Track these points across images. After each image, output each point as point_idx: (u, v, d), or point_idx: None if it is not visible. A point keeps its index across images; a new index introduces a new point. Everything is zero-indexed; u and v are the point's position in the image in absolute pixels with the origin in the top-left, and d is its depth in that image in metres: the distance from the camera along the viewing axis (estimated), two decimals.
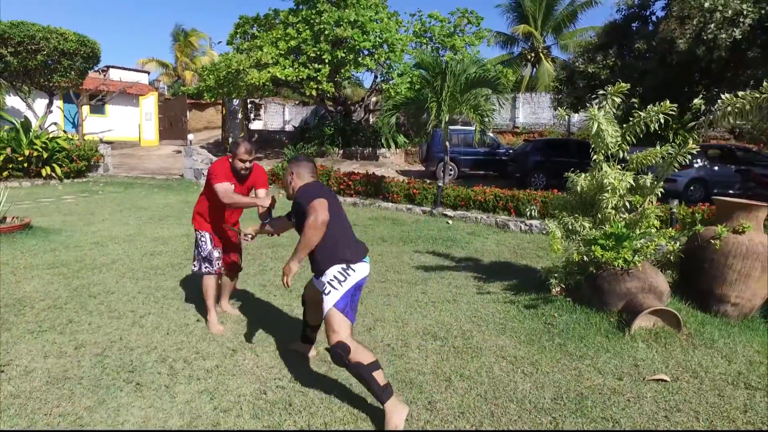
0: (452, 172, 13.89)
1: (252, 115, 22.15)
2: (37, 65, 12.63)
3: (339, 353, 2.23)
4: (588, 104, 11.01)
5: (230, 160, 3.32)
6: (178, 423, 2.30)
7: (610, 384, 2.76)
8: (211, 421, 2.32)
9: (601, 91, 4.09)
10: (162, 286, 4.41)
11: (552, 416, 2.43)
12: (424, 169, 15.52)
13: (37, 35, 12.22)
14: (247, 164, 3.29)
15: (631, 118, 4.10)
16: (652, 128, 4.00)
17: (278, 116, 25.89)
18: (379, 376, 2.27)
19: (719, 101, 3.97)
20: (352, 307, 2.37)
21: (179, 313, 3.73)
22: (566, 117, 12.81)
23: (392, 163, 17.82)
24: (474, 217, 8.18)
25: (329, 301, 2.32)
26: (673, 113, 3.88)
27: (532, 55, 23.77)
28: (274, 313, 3.81)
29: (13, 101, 16.15)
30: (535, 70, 24.03)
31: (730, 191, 10.51)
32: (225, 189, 3.20)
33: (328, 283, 2.35)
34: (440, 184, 8.91)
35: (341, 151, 17.78)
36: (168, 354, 3.02)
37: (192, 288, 4.33)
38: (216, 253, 3.47)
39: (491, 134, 15.40)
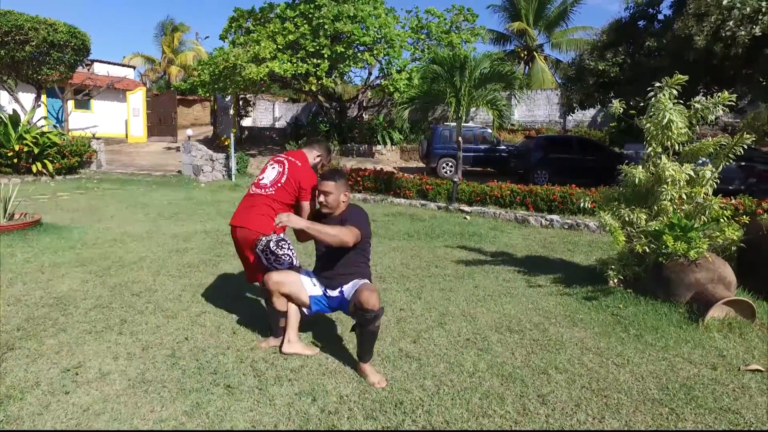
0: (453, 169, 13.86)
1: (242, 112, 21.71)
2: (25, 57, 12.06)
3: (379, 315, 2.54)
4: (596, 102, 11.11)
5: (316, 160, 3.02)
6: (291, 426, 2.16)
7: (707, 374, 2.72)
8: (325, 424, 2.18)
9: (657, 84, 4.08)
10: (203, 283, 4.23)
11: (669, 407, 2.37)
12: (423, 165, 15.45)
13: (26, 25, 11.66)
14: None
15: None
16: (709, 120, 4.03)
17: (268, 113, 25.48)
18: None
19: None
20: None
21: (236, 312, 3.55)
22: (564, 114, 12.88)
23: (388, 159, 17.71)
24: (492, 213, 8.15)
25: (368, 281, 2.76)
26: (733, 104, 3.90)
27: (525, 53, 23.93)
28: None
29: None
30: (528, 68, 24.19)
31: (730, 187, 10.73)
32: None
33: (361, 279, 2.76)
34: (455, 179, 8.85)
35: (337, 148, 17.58)
36: (244, 354, 2.85)
37: (237, 285, 4.16)
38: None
39: (489, 131, 15.43)
